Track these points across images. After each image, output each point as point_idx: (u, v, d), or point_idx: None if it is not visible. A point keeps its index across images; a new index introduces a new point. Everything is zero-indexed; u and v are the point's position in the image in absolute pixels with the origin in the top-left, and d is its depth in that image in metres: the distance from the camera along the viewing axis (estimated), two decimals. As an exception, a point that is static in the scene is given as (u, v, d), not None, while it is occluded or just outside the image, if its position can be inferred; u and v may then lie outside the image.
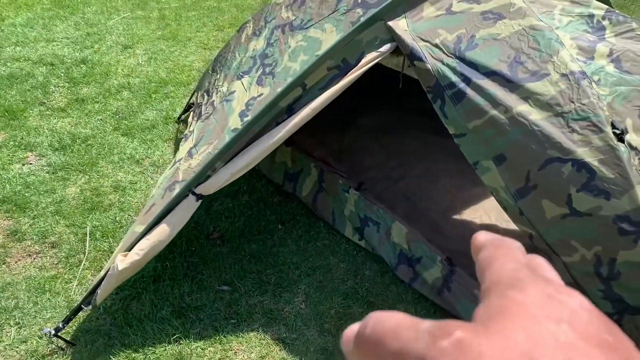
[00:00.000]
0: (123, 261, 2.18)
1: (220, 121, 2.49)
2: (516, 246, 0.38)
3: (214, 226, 3.08)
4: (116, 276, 2.18)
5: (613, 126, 1.81)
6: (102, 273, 2.25)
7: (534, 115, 1.89)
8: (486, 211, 2.95)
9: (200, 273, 2.75)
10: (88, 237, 2.92)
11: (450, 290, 2.48)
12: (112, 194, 3.28)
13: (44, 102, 4.14)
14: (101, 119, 4.00)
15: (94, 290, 2.25)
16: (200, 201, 2.25)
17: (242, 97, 2.54)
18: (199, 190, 2.22)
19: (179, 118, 4.00)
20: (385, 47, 2.21)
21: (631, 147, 1.85)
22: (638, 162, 1.85)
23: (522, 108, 1.91)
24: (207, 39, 5.34)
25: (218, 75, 3.15)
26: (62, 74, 4.52)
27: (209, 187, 2.22)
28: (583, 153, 1.80)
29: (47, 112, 4.03)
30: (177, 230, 2.24)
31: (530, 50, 1.99)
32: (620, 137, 1.80)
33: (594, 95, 1.85)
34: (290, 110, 2.25)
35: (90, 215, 3.09)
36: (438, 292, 2.54)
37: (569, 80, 1.88)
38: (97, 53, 4.92)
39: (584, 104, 1.84)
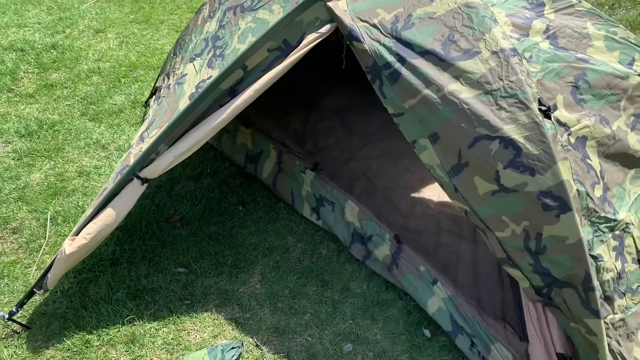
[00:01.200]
0: (71, 245, 2.21)
1: (172, 104, 2.50)
2: None
3: (175, 209, 3.11)
4: (65, 260, 2.22)
5: (540, 103, 1.82)
6: (55, 257, 2.28)
7: (464, 93, 1.90)
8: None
9: (158, 256, 2.79)
10: (49, 222, 2.95)
11: (398, 266, 2.52)
12: (77, 179, 3.31)
13: (13, 89, 4.14)
14: (69, 105, 4.00)
15: (45, 274, 2.29)
16: (145, 185, 2.27)
17: (193, 79, 2.54)
18: (144, 173, 2.24)
19: (146, 102, 4.01)
20: (325, 28, 2.21)
21: (560, 123, 1.87)
22: (566, 138, 1.87)
23: (453, 87, 1.92)
24: (180, 22, 5.31)
25: (177, 58, 3.16)
26: (32, 60, 4.51)
27: (154, 171, 2.24)
28: (510, 130, 1.82)
29: (15, 99, 4.03)
30: (123, 214, 2.26)
31: (463, 28, 1.99)
32: (547, 114, 1.82)
33: (522, 72, 1.86)
34: (233, 92, 2.26)
35: (53, 201, 3.12)
36: (388, 269, 2.58)
37: (499, 57, 1.89)
38: (69, 38, 4.91)
39: (512, 82, 1.85)
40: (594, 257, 1.83)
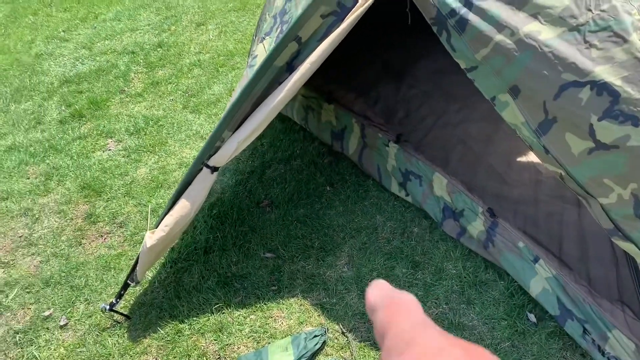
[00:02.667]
0: (151, 238, 2.25)
1: (242, 87, 2.44)
2: (407, 300, 0.42)
3: (265, 193, 3.07)
4: (147, 253, 2.27)
5: (644, 32, 1.43)
6: (139, 251, 2.35)
7: (544, 34, 1.56)
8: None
9: (248, 242, 2.78)
10: (149, 214, 3.08)
11: (494, 243, 2.21)
12: (177, 170, 3.42)
13: (124, 90, 4.41)
14: (172, 99, 4.16)
15: (134, 267, 2.37)
16: (215, 173, 2.23)
17: (263, 59, 2.45)
18: (212, 162, 2.20)
19: (241, 88, 4.02)
20: (382, -18, 1.97)
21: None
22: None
23: (531, 27, 1.59)
24: (274, 3, 5.27)
25: (255, 40, 3.10)
26: (141, 60, 4.77)
27: (220, 159, 2.19)
28: (603, 71, 1.45)
29: (126, 99, 4.29)
30: (198, 204, 2.25)
31: (540, -47, 1.63)
32: (652, 46, 1.42)
33: (628, -2, 1.47)
34: (291, 68, 2.11)
35: (156, 193, 3.25)
36: (484, 247, 2.29)
37: (586, -18, 1.51)
38: (173, 35, 5.12)
39: (603, 11, 1.47)
40: None
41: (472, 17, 1.71)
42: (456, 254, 2.45)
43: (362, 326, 2.28)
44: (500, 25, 1.64)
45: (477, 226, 2.30)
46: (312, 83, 3.17)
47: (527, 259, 2.10)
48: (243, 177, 3.22)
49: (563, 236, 2.12)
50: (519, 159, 2.63)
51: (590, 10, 1.49)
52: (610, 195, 1.54)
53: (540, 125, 1.64)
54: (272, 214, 2.92)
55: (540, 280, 2.05)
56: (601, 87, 1.45)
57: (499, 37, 1.65)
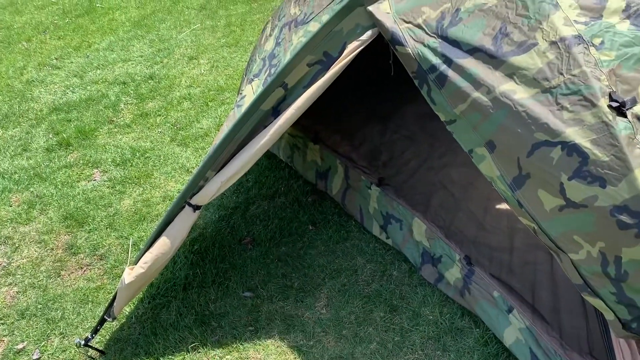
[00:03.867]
0: (130, 274, 2.25)
1: (229, 127, 2.48)
2: None
3: (248, 230, 3.09)
4: (125, 289, 2.27)
5: (611, 98, 1.50)
6: (117, 286, 2.35)
7: (519, 93, 1.63)
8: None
9: (227, 279, 2.78)
10: (130, 247, 3.08)
11: (470, 292, 2.24)
12: (161, 204, 3.43)
13: (113, 120, 4.44)
14: (161, 131, 4.20)
15: (112, 303, 2.36)
16: (197, 212, 2.25)
17: (250, 101, 2.50)
18: (195, 200, 2.22)
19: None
20: (367, 35, 2.04)
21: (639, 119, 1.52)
22: (649, 139, 1.51)
23: (506, 87, 1.66)
24: (266, 41, 5.38)
25: (244, 79, 3.16)
26: (132, 91, 4.82)
27: (203, 197, 2.22)
28: (573, 133, 1.51)
29: (115, 130, 4.32)
30: (178, 242, 2.26)
31: (517, 18, 1.71)
32: (621, 111, 1.49)
33: (588, 63, 1.54)
34: (277, 113, 2.17)
35: (138, 226, 3.25)
36: (460, 294, 2.31)
37: (559, 48, 1.59)
38: (165, 67, 5.19)
39: (574, 75, 1.54)
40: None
41: (451, 74, 1.77)
42: (434, 300, 2.47)
43: (338, 370, 2.28)
44: (477, 83, 1.71)
45: (454, 273, 2.33)
46: (300, 123, 3.22)
47: (502, 309, 2.13)
48: (226, 213, 3.24)
49: (536, 285, 2.16)
50: (497, 206, 2.68)
51: (562, 74, 1.56)
52: (580, 252, 1.58)
53: (515, 179, 1.69)
54: (254, 252, 2.93)
55: (514, 330, 2.08)
56: (571, 148, 1.51)
57: (476, 94, 1.71)
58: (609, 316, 1.59)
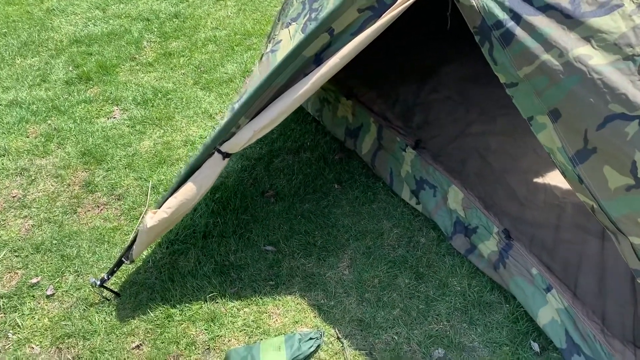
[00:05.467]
0: (152, 218, 2.17)
1: (263, 74, 2.34)
2: None
3: (271, 183, 2.99)
4: (146, 232, 2.19)
5: None
6: (137, 228, 2.27)
7: (596, 59, 1.48)
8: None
9: (249, 231, 2.70)
10: (150, 190, 2.99)
11: (506, 266, 2.15)
12: (182, 148, 3.33)
13: (135, 57, 4.29)
14: (184, 73, 4.05)
15: (131, 245, 2.29)
16: (227, 159, 2.14)
17: (287, 46, 2.34)
18: (225, 148, 2.11)
19: (255, 71, 3.92)
20: (426, -17, 1.88)
21: None
22: None
23: (581, 51, 1.51)
24: (297, -13, 5.15)
25: (278, 24, 2.99)
26: (156, 29, 4.64)
27: (234, 146, 2.10)
28: (655, 108, 1.38)
29: (137, 67, 4.17)
30: (204, 189, 2.17)
31: (601, -26, 1.54)
32: None
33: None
34: (319, 60, 2.02)
35: (158, 169, 3.16)
36: (494, 267, 2.22)
37: (649, 11, 1.43)
38: (191, 6, 4.98)
39: (664, 43, 1.39)
40: None
41: (519, 32, 1.62)
42: (462, 271, 2.38)
43: (359, 333, 2.21)
44: (548, 44, 1.56)
45: (489, 245, 2.23)
46: (334, 76, 3.07)
47: (539, 287, 2.04)
48: (249, 164, 3.13)
49: (581, 268, 2.06)
50: (538, 180, 2.56)
51: (648, 41, 1.41)
52: (643, 236, 1.47)
53: (578, 153, 1.56)
54: (276, 206, 2.84)
55: (550, 310, 1.99)
56: (650, 124, 1.38)
57: (545, 56, 1.56)
58: (664, 307, 1.49)
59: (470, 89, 3.02)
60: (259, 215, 2.78)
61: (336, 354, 2.16)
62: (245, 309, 2.36)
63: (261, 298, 2.38)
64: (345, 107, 2.98)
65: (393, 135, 2.69)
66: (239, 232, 2.69)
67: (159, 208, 2.19)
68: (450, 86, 3.06)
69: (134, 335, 2.29)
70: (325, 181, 2.96)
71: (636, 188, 1.43)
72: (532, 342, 2.08)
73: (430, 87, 3.15)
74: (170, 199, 2.16)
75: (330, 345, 2.19)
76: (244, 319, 2.31)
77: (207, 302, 2.38)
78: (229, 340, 2.25)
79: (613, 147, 1.46)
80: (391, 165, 2.72)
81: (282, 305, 2.36)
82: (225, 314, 2.33)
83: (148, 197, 2.95)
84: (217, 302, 2.38)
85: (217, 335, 2.26)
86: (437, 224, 2.51)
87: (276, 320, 2.31)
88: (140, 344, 2.26)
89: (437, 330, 2.19)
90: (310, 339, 2.14)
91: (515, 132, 2.78)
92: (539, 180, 2.53)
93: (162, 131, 3.47)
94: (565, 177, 1.65)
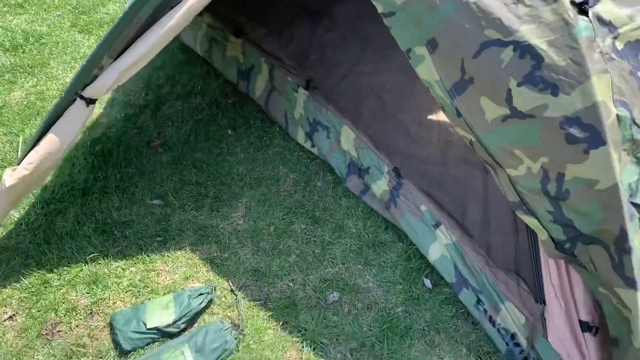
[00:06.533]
0: (11, 176, 1.92)
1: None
2: None
3: (158, 132, 2.77)
4: (6, 193, 1.94)
5: (575, -7, 1.30)
6: (-2, 189, 2.01)
7: (473, -18, 1.39)
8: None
9: (134, 185, 2.50)
10: (20, 145, 2.69)
11: (397, 205, 2.11)
12: (58, 98, 3.00)
13: (1, -2, 3.80)
14: (59, 15, 3.64)
15: (-8, 208, 2.03)
16: (92, 106, 1.92)
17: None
18: (88, 93, 1.88)
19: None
20: None
21: (602, 21, 1.34)
22: (610, 43, 1.35)
23: (460, -26, 1.41)
24: None
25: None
26: (25, -35, 4.11)
27: (99, 89, 1.87)
28: (529, 32, 1.32)
29: (4, 9, 3.69)
30: (69, 141, 1.94)
31: None
32: (582, 9, 1.30)
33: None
34: (187, -10, 1.81)
35: (30, 122, 2.84)
36: (386, 207, 2.18)
37: None
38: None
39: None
40: (638, 206, 1.36)
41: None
42: (358, 212, 2.33)
43: (254, 284, 2.13)
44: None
45: (381, 185, 2.18)
46: (219, 11, 2.85)
47: (429, 224, 2.02)
48: (134, 112, 2.88)
49: (468, 201, 2.06)
50: (429, 117, 2.52)
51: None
52: (519, 167, 1.45)
53: (455, 85, 1.49)
54: (164, 156, 2.64)
55: (440, 246, 1.99)
56: (525, 49, 1.32)
57: (421, -17, 1.46)
58: (542, 235, 1.50)
59: (364, 27, 2.90)
60: (145, 168, 2.58)
61: (230, 306, 2.07)
62: (131, 269, 2.19)
63: (148, 255, 2.23)
64: (235, 46, 2.78)
65: (285, 75, 2.54)
66: (122, 186, 2.49)
67: (19, 165, 1.94)
68: (344, 24, 2.92)
69: (6, 306, 2.08)
70: (218, 127, 2.78)
71: (512, 118, 1.39)
72: (424, 278, 2.09)
73: (325, 25, 3.00)
74: (31, 153, 1.92)
75: (223, 299, 2.09)
76: (130, 279, 2.16)
77: (88, 263, 2.19)
78: (114, 303, 2.09)
79: (489, 76, 1.40)
80: (285, 108, 2.59)
81: (172, 261, 2.22)
82: (109, 275, 2.16)
83: (19, 152, 2.65)
84: (100, 263, 2.20)
85: (101, 298, 2.10)
86: (332, 166, 2.43)
87: (165, 277, 2.17)
88: (14, 315, 2.06)
89: (332, 273, 2.14)
90: (201, 294, 2.02)
91: (409, 70, 2.71)
92: (433, 117, 2.50)
93: (35, 80, 3.11)
94: (444, 111, 1.58)
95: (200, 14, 2.99)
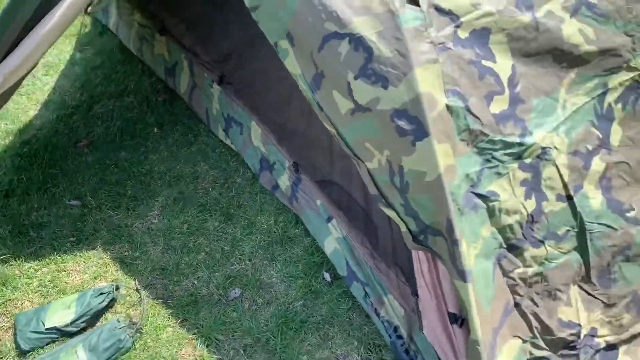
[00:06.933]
0: None
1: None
2: None
3: (87, 132, 2.78)
4: None
5: (405, -19, 1.28)
6: None
7: (313, -27, 1.38)
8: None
9: (55, 186, 2.51)
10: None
11: (297, 199, 2.11)
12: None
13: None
14: None
15: None
16: (-16, 110, 1.93)
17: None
18: (-25, 97, 1.89)
19: (85, 10, 3.58)
20: None
21: (440, 10, 1.32)
22: (451, 32, 1.32)
23: (301, -35, 1.40)
24: None
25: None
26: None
27: (-15, 94, 1.88)
28: (361, 24, 1.30)
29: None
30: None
31: None
32: (413, -3, 1.27)
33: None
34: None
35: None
36: (290, 202, 2.18)
37: None
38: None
39: (365, -47, 1.30)
40: (482, 197, 1.35)
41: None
42: (270, 208, 2.33)
43: (160, 282, 2.14)
44: (273, -41, 1.43)
45: (284, 180, 2.18)
46: (148, 9, 2.85)
47: (323, 217, 2.01)
48: (67, 112, 2.90)
49: (352, 194, 2.03)
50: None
51: (356, -48, 1.31)
52: (373, 160, 1.43)
53: (314, 79, 1.48)
54: (90, 156, 2.65)
55: (333, 240, 1.98)
56: (358, 42, 1.30)
57: (272, -28, 1.44)
58: (402, 227, 1.48)
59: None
60: (69, 168, 2.59)
61: (134, 305, 2.07)
62: (43, 269, 2.21)
63: (61, 256, 2.24)
64: (161, 44, 2.78)
65: (202, 71, 2.54)
66: (44, 187, 2.50)
67: None
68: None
69: None
70: (145, 125, 2.79)
71: (357, 112, 1.37)
72: (324, 272, 2.08)
73: (240, 17, 2.94)
74: None
75: (128, 298, 2.10)
76: (40, 280, 2.17)
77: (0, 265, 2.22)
78: (22, 303, 2.11)
79: (333, 70, 1.38)
80: (206, 104, 2.58)
81: (84, 261, 2.23)
82: (21, 276, 2.18)
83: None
84: (12, 265, 2.21)
85: (9, 299, 2.12)
86: (247, 162, 2.43)
87: (75, 277, 2.18)
88: None
89: (238, 270, 2.14)
90: (102, 293, 2.03)
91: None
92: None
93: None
94: (312, 106, 1.57)
95: (132, 12, 3.01)
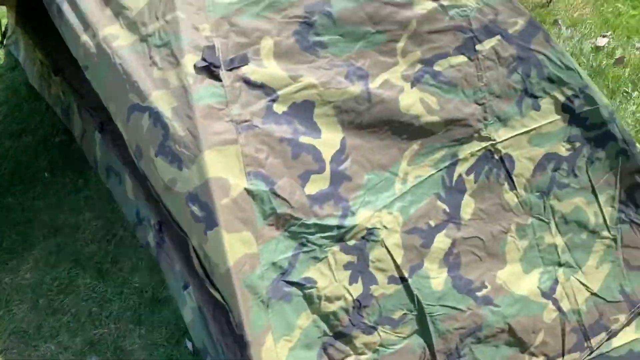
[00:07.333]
0: None
1: None
2: None
3: (-23, 176, 2.64)
4: None
5: (204, 55, 1.18)
6: None
7: (121, 40, 1.28)
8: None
9: None
10: None
11: (160, 262, 1.98)
12: None
13: None
14: None
15: None
16: None
17: None
18: None
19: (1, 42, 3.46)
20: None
21: (251, 84, 1.22)
22: (265, 106, 1.23)
23: (110, 30, 1.30)
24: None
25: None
26: None
27: None
28: (158, 98, 1.20)
29: None
30: None
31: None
32: (212, 72, 1.17)
33: (188, 6, 1.20)
34: None
35: None
36: (158, 262, 2.04)
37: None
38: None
39: (167, 22, 1.20)
40: (297, 284, 1.24)
41: (66, 8, 1.38)
42: (147, 265, 2.20)
43: (17, 347, 1.99)
44: (85, 23, 1.34)
45: (152, 239, 2.05)
46: (45, 47, 2.74)
47: (180, 285, 1.88)
48: (-41, 155, 2.76)
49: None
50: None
51: (158, 18, 1.22)
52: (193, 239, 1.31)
53: (137, 148, 1.37)
54: (-27, 203, 2.51)
55: (190, 309, 1.85)
56: (156, 117, 1.20)
57: (84, 37, 1.35)
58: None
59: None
60: (-52, 217, 2.45)
61: (-16, 373, 1.93)
62: None
63: None
64: (56, 83, 2.66)
65: (89, 116, 2.42)
66: None
67: None
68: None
69: None
70: (37, 169, 2.66)
71: (167, 189, 1.26)
72: (187, 341, 1.95)
73: None
74: None
75: (-21, 364, 1.95)
76: None
77: None
78: None
79: (140, 142, 1.28)
80: (93, 150, 2.46)
81: (-59, 322, 2.08)
82: None
83: None
84: None
85: None
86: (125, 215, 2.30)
87: None
88: None
89: (101, 334, 2.00)
90: (-53, 361, 1.89)
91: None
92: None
93: None
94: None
95: (34, 49, 2.89)
